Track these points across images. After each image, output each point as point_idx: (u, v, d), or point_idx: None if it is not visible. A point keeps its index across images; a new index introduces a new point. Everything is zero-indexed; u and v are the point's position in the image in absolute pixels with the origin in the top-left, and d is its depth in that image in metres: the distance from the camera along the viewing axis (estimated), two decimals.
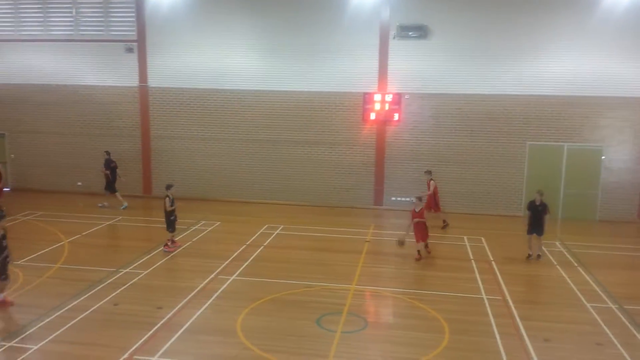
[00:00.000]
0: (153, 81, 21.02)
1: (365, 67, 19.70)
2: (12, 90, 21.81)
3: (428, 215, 14.94)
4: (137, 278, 12.75)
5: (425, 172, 18.25)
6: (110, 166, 19.77)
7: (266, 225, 17.55)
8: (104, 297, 11.53)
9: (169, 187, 15.23)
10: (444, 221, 18.07)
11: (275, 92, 20.42)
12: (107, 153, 19.92)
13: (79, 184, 21.68)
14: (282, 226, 17.58)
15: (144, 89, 21.07)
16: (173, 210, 14.98)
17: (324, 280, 12.84)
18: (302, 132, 20.57)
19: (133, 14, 20.75)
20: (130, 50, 20.81)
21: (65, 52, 21.41)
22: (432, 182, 17.84)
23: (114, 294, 11.70)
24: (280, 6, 20.02)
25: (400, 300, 11.97)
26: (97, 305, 11.11)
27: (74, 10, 21.10)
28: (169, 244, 14.96)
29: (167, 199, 14.94)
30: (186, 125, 21.19)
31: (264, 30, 20.24)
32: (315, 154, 20.62)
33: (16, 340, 9.55)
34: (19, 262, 13.29)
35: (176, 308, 11.03)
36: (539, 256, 14.72)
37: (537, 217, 14.48)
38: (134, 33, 20.80)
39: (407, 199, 20.04)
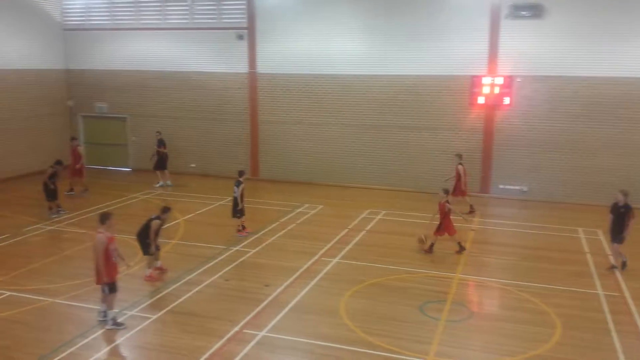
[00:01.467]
0: (262, 67, 21.62)
1: (473, 49, 19.01)
2: (134, 76, 23.34)
3: (453, 200, 14.34)
4: (246, 256, 13.31)
5: (455, 155, 17.55)
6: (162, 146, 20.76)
7: (368, 210, 17.59)
8: (216, 272, 12.16)
9: (242, 173, 15.18)
10: (471, 207, 17.32)
11: (379, 76, 20.29)
12: (159, 133, 20.95)
13: (192, 165, 22.86)
14: (384, 211, 17.54)
15: (253, 75, 21.75)
16: (242, 197, 14.81)
17: (426, 268, 12.71)
18: (405, 117, 20.31)
19: (244, 3, 21.39)
20: (241, 37, 21.52)
21: (180, 40, 22.55)
22: (460, 166, 17.10)
23: (225, 270, 12.30)
24: None
25: (508, 291, 11.57)
26: (210, 280, 11.75)
27: (189, 0, 22.14)
28: (240, 229, 15.00)
29: (241, 186, 14.75)
30: (292, 111, 21.64)
31: (368, 14, 20.13)
32: (419, 139, 20.30)
33: (137, 309, 10.33)
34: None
35: (282, 286, 11.40)
36: (624, 263, 12.55)
37: (619, 221, 12.41)
38: (244, 21, 21.47)
39: (517, 188, 19.28)
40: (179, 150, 22.75)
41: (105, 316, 9.75)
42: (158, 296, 10.93)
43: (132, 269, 12.16)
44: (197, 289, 11.30)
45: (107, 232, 9.57)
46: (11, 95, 21.74)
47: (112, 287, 9.71)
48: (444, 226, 13.63)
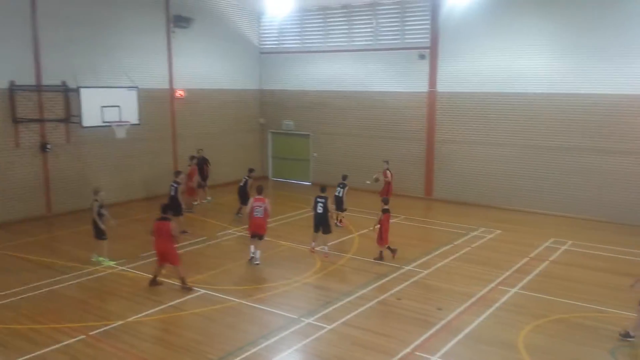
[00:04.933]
0: (442, 86, 21.45)
1: None
2: (319, 95, 24.63)
3: None
4: (418, 276, 13.20)
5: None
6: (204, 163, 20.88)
7: (552, 239, 16.40)
8: (388, 290, 12.25)
9: (345, 177, 17.52)
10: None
11: (569, 94, 18.91)
12: (201, 150, 21.18)
13: (368, 182, 23.31)
14: (570, 241, 16.22)
15: (432, 94, 21.66)
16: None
17: (620, 308, 11.42)
18: (597, 139, 18.64)
19: (428, 22, 21.47)
20: (422, 57, 21.59)
21: (363, 60, 23.29)
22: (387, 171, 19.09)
23: (397, 289, 12.33)
24: (571, 5, 18.51)
25: None
26: (382, 297, 11.87)
27: (374, 22, 22.83)
28: (339, 222, 17.20)
29: (346, 188, 17.19)
30: (471, 130, 21.09)
31: (557, 30, 18.96)
32: (614, 163, 18.47)
33: (314, 318, 10.79)
34: (317, 248, 15.02)
35: (456, 312, 11.10)
36: None
37: None
38: (427, 40, 21.52)
39: None
40: (355, 167, 23.39)
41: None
42: (333, 307, 11.30)
43: (310, 280, 12.81)
44: (369, 304, 11.48)
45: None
46: (217, 112, 24.30)
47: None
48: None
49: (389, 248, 14.30)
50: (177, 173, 17.45)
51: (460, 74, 20.95)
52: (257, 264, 13.90)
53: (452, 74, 21.16)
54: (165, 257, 12.08)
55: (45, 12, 17.83)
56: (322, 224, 14.79)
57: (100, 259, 13.81)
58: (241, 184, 18.42)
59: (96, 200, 13.83)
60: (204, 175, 20.69)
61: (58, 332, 10.08)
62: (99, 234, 13.85)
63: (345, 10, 23.52)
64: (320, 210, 14.77)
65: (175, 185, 16.52)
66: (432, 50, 21.45)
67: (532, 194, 20.02)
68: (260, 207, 13.72)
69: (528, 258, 14.69)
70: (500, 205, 20.45)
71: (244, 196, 17.88)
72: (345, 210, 17.46)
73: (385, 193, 18.64)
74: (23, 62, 17.58)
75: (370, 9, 22.88)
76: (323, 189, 15.31)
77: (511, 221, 18.67)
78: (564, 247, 15.73)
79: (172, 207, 14.15)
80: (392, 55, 22.50)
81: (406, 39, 22.19)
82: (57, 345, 9.55)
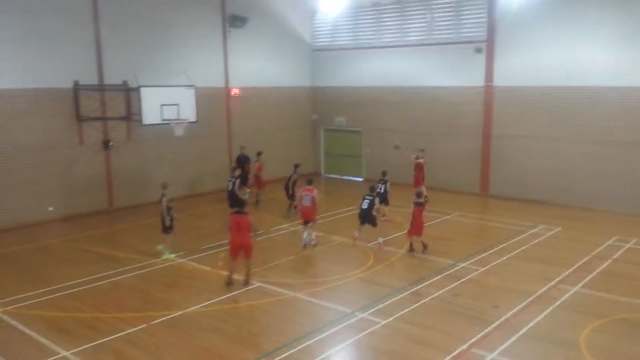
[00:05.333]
0: (499, 80, 20.97)
1: None
2: (371, 91, 24.54)
3: None
4: (474, 274, 12.96)
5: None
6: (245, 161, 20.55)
7: (615, 237, 15.76)
8: (443, 286, 12.08)
9: (385, 173, 17.85)
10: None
11: (630, 88, 18.11)
12: (242, 148, 20.78)
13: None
14: (634, 239, 15.55)
15: (489, 88, 21.21)
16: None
17: None
18: None
19: (484, 15, 21.03)
20: (479, 50, 21.16)
21: (417, 55, 23.04)
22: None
23: (452, 285, 12.15)
24: None
25: None
26: (437, 293, 11.72)
27: (428, 16, 22.56)
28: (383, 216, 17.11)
29: (387, 184, 17.64)
30: (529, 124, 20.53)
31: (616, 22, 18.18)
32: None
33: (368, 312, 10.78)
34: (370, 244, 15.03)
35: (513, 310, 10.84)
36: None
37: None
38: (483, 34, 21.08)
39: None
40: (409, 163, 23.15)
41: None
42: (387, 302, 11.26)
43: (363, 275, 12.84)
44: (424, 300, 11.37)
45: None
46: (271, 109, 24.61)
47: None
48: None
49: (422, 243, 14.39)
50: (234, 169, 17.79)
51: (517, 67, 20.41)
52: (314, 244, 15.09)
53: (510, 68, 20.63)
54: (245, 250, 12.13)
55: (107, 15, 18.52)
56: (366, 219, 15.18)
57: (161, 248, 14.26)
58: (287, 180, 18.53)
59: (164, 194, 14.33)
60: (245, 173, 20.53)
61: (121, 321, 10.47)
62: (165, 228, 14.28)
63: (398, 6, 23.33)
64: (365, 206, 15.22)
65: (232, 180, 16.90)
66: (488, 43, 20.98)
67: (594, 190, 19.31)
68: (308, 195, 14.89)
69: (590, 256, 14.17)
70: (559, 202, 19.80)
71: (288, 191, 18.19)
72: (389, 204, 17.80)
73: (417, 182, 19.18)
74: (86, 63, 18.33)
75: (424, 4, 22.61)
76: (373, 188, 15.79)
77: (572, 218, 18.06)
78: (627, 245, 15.09)
79: (232, 201, 14.66)
80: (447, 50, 22.15)
81: (461, 33, 21.80)
82: (120, 334, 9.92)
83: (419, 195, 14.67)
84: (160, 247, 14.31)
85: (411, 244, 14.50)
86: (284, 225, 17.33)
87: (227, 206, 17.67)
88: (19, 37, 16.75)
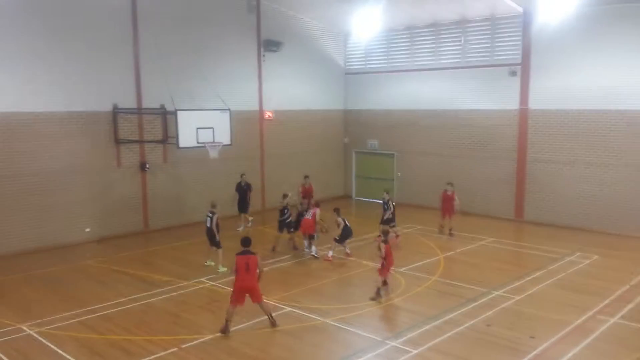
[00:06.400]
0: (534, 103, 20.70)
1: None
2: (404, 115, 24.49)
3: None
4: (509, 302, 12.68)
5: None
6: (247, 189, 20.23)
7: None
8: (476, 315, 11.84)
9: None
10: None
11: None
12: (243, 175, 20.39)
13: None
14: None
15: (524, 112, 20.93)
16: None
17: None
18: None
19: (519, 38, 20.85)
20: (513, 73, 20.95)
21: (451, 78, 22.94)
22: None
23: (486, 315, 11.90)
24: None
25: None
26: (470, 322, 11.49)
27: (462, 39, 22.49)
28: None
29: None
30: (564, 148, 20.13)
31: None
32: None
33: (399, 341, 10.63)
34: (400, 270, 14.86)
35: (550, 341, 10.55)
36: None
37: None
38: (518, 56, 20.90)
39: None
40: (441, 187, 22.94)
41: None
42: (419, 331, 11.09)
43: (394, 301, 12.69)
44: (457, 329, 11.15)
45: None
46: (303, 132, 24.78)
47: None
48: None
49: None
50: (285, 196, 17.64)
51: (553, 90, 20.12)
52: (315, 255, 16.42)
53: (545, 91, 20.36)
54: (251, 293, 11.03)
55: (146, 41, 19.04)
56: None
57: (212, 264, 15.22)
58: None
59: (214, 212, 15.32)
60: (245, 201, 20.30)
61: (151, 343, 10.58)
62: (216, 243, 15.25)
63: (432, 29, 23.35)
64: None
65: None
66: (523, 66, 20.78)
67: (632, 216, 18.73)
68: (311, 211, 16.72)
69: (629, 286, 13.72)
70: (597, 228, 19.28)
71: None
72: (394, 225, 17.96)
73: (448, 212, 19.13)
74: (125, 87, 18.85)
75: (458, 27, 22.57)
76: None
77: (610, 246, 17.55)
78: None
79: (283, 224, 17.01)
80: (481, 73, 22.01)
81: (496, 56, 21.65)
82: (150, 357, 10.01)
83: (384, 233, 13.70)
84: (210, 262, 15.26)
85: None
86: (313, 249, 17.28)
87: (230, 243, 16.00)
88: (60, 63, 17.34)
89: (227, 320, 10.96)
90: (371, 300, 12.69)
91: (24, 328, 11.26)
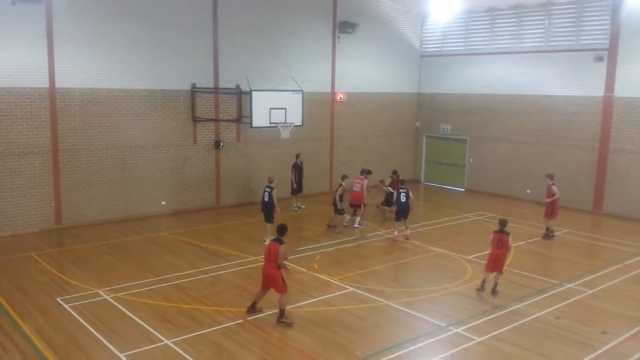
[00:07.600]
0: (620, 91, 19.56)
1: None
2: (480, 99, 23.81)
3: None
4: (581, 296, 12.21)
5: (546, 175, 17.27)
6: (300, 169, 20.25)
7: None
8: (545, 307, 11.50)
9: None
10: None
11: None
12: (299, 155, 20.44)
13: (529, 191, 22.08)
14: None
15: (608, 99, 19.84)
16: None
17: None
18: None
19: (607, 22, 19.73)
20: (599, 59, 19.86)
21: (532, 63, 22.03)
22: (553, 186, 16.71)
23: (555, 307, 11.53)
24: None
25: None
26: (539, 314, 11.17)
27: (546, 22, 21.49)
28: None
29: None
30: None
31: None
32: None
33: (462, 328, 10.50)
34: (468, 257, 14.62)
35: (622, 337, 10.13)
36: None
37: None
38: (605, 41, 19.77)
39: None
40: (515, 175, 22.31)
41: None
42: (484, 319, 10.91)
43: (459, 288, 12.51)
44: (524, 320, 10.87)
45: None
46: (375, 115, 24.61)
47: None
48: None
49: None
50: (344, 177, 17.81)
51: None
52: (357, 226, 17.42)
53: (634, 78, 19.19)
54: (269, 281, 10.69)
55: (224, 23, 19.49)
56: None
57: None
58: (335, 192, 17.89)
59: (272, 187, 15.83)
60: (299, 182, 20.46)
61: (219, 314, 10.98)
62: (271, 219, 15.69)
63: (514, 11, 22.45)
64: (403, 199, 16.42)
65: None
66: (610, 51, 19.64)
67: None
68: (359, 183, 17.50)
69: None
70: None
71: (336, 206, 17.49)
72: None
73: (550, 214, 16.86)
74: (204, 67, 19.39)
75: (542, 9, 21.55)
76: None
77: None
78: None
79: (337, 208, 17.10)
80: (565, 57, 20.99)
81: (581, 40, 20.57)
82: (217, 327, 10.41)
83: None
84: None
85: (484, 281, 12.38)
86: (379, 232, 17.29)
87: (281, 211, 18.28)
88: (146, 45, 18.08)
89: (253, 302, 10.98)
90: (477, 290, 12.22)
91: (101, 293, 11.96)
